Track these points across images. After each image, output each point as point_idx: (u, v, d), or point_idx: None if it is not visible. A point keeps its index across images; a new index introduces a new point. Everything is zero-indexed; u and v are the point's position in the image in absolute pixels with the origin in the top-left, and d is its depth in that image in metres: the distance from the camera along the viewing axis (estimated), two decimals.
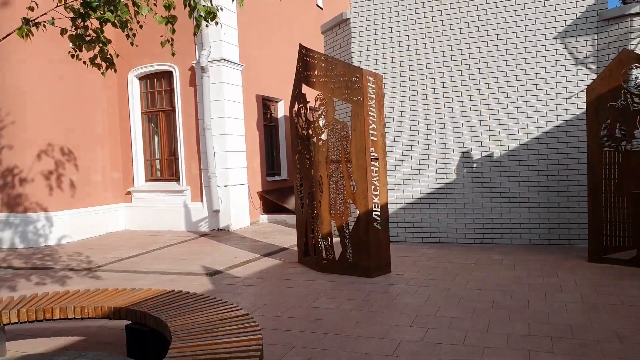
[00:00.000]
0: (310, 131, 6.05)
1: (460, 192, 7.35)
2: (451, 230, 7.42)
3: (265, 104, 11.93)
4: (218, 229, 10.12)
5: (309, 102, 6.17)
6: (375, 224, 5.59)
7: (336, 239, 6.01)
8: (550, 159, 6.82)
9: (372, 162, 5.57)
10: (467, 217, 7.33)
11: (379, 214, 5.61)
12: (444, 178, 7.44)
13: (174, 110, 10.63)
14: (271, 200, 11.35)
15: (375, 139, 5.60)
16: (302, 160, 6.34)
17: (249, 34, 11.08)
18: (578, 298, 4.39)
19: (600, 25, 6.43)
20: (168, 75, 10.75)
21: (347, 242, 5.77)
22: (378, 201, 5.62)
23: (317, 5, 15.18)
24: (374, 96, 5.56)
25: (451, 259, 6.31)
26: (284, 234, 9.21)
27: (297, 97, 6.36)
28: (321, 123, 5.90)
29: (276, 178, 12.06)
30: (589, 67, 6.52)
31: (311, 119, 6.05)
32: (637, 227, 5.24)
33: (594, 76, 6.49)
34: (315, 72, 5.91)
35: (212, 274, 6.25)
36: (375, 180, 5.59)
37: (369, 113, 5.52)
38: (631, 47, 6.13)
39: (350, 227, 5.72)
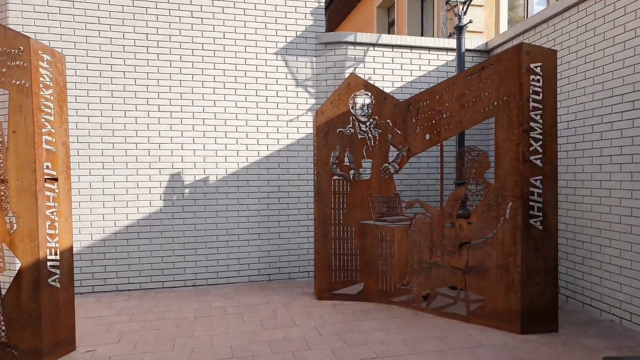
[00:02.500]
0: None
1: (168, 223, 5.92)
2: (156, 272, 5.87)
3: None
4: None
5: None
6: (51, 280, 3.59)
7: None
8: (272, 186, 6.19)
9: (48, 184, 3.60)
10: (177, 255, 5.95)
11: (57, 263, 3.65)
12: (148, 206, 5.86)
13: None
14: None
15: (54, 148, 3.65)
16: None
17: None
18: (330, 354, 3.63)
19: (319, 48, 6.26)
20: None
21: None
22: (57, 244, 3.66)
23: None
24: (50, 83, 3.63)
25: (161, 314, 4.79)
26: None
27: None
28: None
29: None
30: (309, 91, 6.25)
31: None
32: (364, 259, 5.01)
33: (314, 100, 6.24)
34: None
35: None
36: (52, 213, 3.62)
37: (43, 108, 3.55)
38: (346, 75, 6.14)
39: (4, 289, 3.54)
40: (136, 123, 5.80)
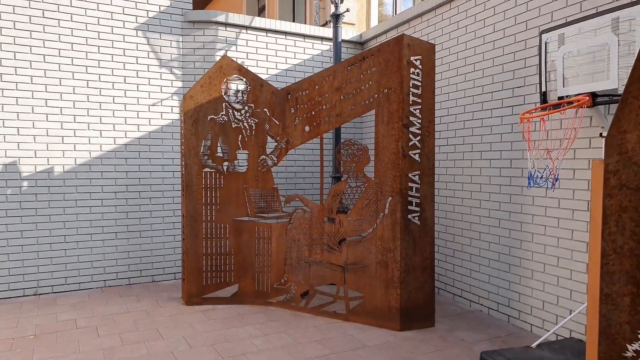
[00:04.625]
0: None
1: (1, 223, 4.89)
2: None
3: None
4: None
5: None
6: None
7: None
8: (131, 178, 5.47)
9: None
10: (13, 260, 4.96)
11: None
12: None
13: None
14: None
15: None
16: None
17: None
18: None
19: (186, 27, 5.65)
20: None
21: None
22: None
23: None
24: None
25: None
26: None
27: None
28: None
29: None
30: (174, 73, 5.63)
31: None
32: (239, 259, 4.66)
33: (180, 83, 5.64)
34: None
35: None
36: None
37: None
38: (217, 58, 5.65)
39: None
40: None
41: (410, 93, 3.82)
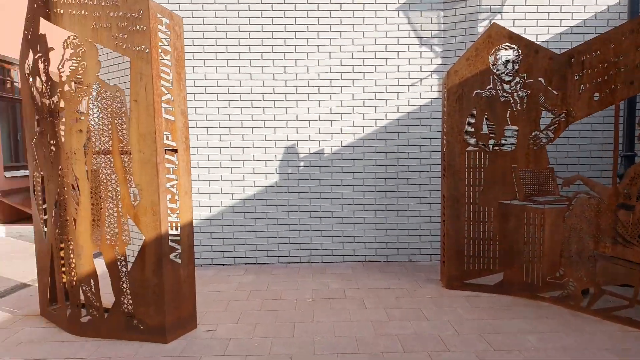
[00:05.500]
0: (56, 99, 3.53)
1: (283, 197, 5.66)
2: (272, 247, 5.68)
3: (1, 66, 8.32)
4: None
5: (52, 48, 3.61)
6: (173, 255, 3.44)
7: (106, 281, 3.65)
8: (390, 159, 5.64)
9: (168, 156, 3.41)
10: (292, 230, 5.69)
11: (178, 239, 3.49)
12: (263, 179, 5.64)
13: None
14: (12, 206, 7.91)
15: (173, 117, 3.44)
16: (42, 148, 3.75)
17: None
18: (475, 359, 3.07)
19: (447, 0, 5.47)
20: None
21: (123, 287, 3.48)
22: (177, 219, 3.49)
23: None
24: (169, 48, 3.39)
25: (279, 292, 4.55)
26: (30, 256, 6.18)
27: (32, 41, 3.72)
28: (76, 86, 3.45)
29: (22, 173, 8.56)
30: (434, 50, 5.52)
31: (59, 80, 3.52)
32: (504, 246, 4.30)
33: (440, 61, 5.51)
34: None
35: None
36: (172, 186, 3.44)
37: (162, 75, 3.33)
38: (480, 30, 5.30)
39: (129, 263, 3.46)
40: (251, 93, 5.55)
41: None
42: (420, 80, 5.55)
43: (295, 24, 5.50)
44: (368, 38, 5.52)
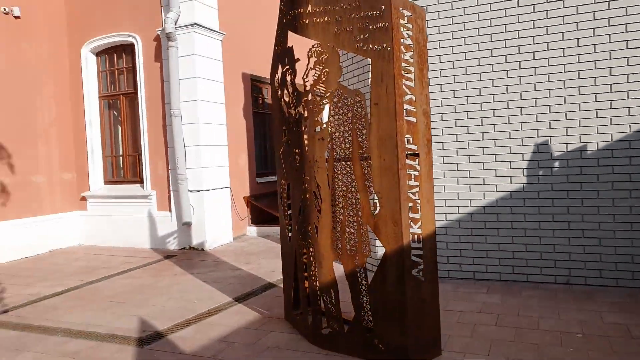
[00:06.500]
0: (300, 109, 3.58)
1: (532, 204, 4.84)
2: (519, 263, 4.91)
3: (255, 85, 9.46)
4: (190, 247, 7.71)
5: (298, 59, 3.69)
6: (415, 271, 3.12)
7: (347, 293, 3.55)
8: None
9: (409, 161, 3.10)
10: (545, 244, 4.81)
11: (420, 252, 3.15)
12: (507, 183, 4.92)
13: (137, 93, 8.21)
14: (262, 208, 8.90)
15: (414, 119, 3.12)
16: (289, 157, 3.88)
17: None
18: None
19: None
20: (130, 48, 8.33)
21: (363, 300, 3.31)
22: (419, 230, 3.15)
23: None
24: (411, 44, 3.07)
25: (534, 320, 3.81)
26: (276, 255, 6.78)
27: (281, 55, 3.89)
28: (319, 93, 3.43)
29: (270, 179, 9.59)
30: None
31: (303, 90, 3.57)
32: None
33: None
34: (309, 7, 3.43)
35: (146, 340, 3.88)
36: (413, 194, 3.11)
37: (404, 74, 3.04)
38: None
39: (370, 276, 3.27)
40: (492, 86, 4.90)
41: None
42: None
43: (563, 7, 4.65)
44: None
